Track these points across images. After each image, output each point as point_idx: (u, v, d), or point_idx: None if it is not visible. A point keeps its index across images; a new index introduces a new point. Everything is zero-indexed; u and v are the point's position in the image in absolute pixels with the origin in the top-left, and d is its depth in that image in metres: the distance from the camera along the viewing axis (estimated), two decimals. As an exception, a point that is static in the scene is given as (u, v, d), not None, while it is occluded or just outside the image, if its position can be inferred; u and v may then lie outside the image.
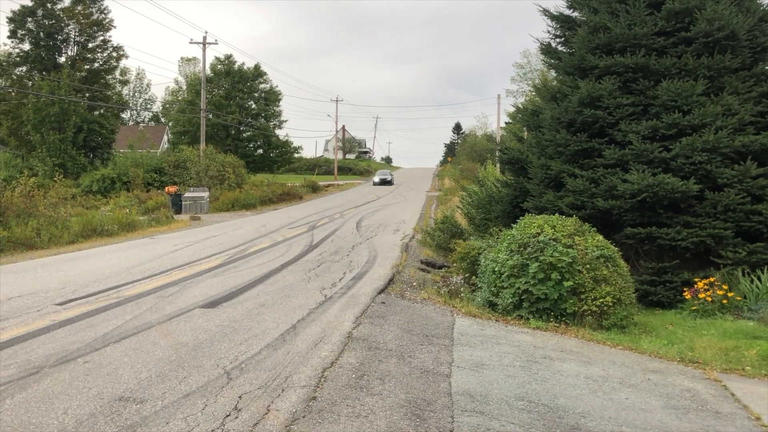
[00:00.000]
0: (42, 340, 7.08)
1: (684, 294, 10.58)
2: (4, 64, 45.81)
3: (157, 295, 9.81)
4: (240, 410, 5.00)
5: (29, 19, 43.62)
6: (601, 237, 9.69)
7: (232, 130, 64.32)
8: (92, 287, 10.46)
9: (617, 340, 8.33)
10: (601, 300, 8.84)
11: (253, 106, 68.42)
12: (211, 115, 56.49)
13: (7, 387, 5.46)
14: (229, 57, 67.28)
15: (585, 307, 8.88)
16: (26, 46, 44.29)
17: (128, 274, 11.90)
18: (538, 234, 9.34)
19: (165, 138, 70.28)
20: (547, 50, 15.00)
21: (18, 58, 44.71)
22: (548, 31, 14.92)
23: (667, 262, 11.30)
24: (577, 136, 12.59)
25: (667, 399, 5.97)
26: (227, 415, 4.88)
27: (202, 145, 42.51)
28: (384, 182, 63.02)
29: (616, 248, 9.70)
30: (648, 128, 11.80)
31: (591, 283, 8.94)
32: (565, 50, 14.57)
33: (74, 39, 45.03)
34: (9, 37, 44.04)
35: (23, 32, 43.83)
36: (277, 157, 67.78)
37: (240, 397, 5.30)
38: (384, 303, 9.66)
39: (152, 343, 6.99)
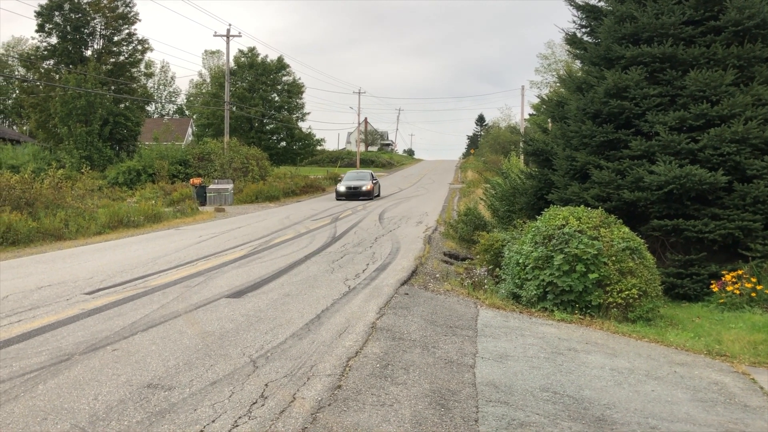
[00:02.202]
0: (72, 328, 7.21)
1: (711, 287, 10.45)
2: (32, 57, 46.49)
3: (183, 285, 9.93)
4: (266, 398, 5.05)
5: (56, 13, 44.16)
6: (627, 229, 9.60)
7: (256, 123, 64.69)
8: (120, 277, 10.61)
9: (643, 332, 8.27)
10: (626, 292, 8.77)
11: (277, 98, 68.79)
12: (234, 108, 56.82)
13: (40, 373, 5.58)
14: (252, 50, 67.69)
15: (610, 300, 8.81)
16: (53, 40, 44.89)
17: (155, 264, 12.05)
18: (563, 226, 9.29)
19: (189, 130, 70.84)
20: (572, 40, 14.85)
21: (45, 52, 45.34)
22: (573, 21, 14.77)
23: (694, 254, 11.17)
24: (602, 127, 12.46)
25: (694, 392, 5.92)
26: (254, 403, 4.94)
27: (226, 138, 42.81)
28: (355, 194, 33.91)
29: (642, 240, 9.61)
30: (675, 119, 11.64)
31: (617, 275, 8.87)
32: (590, 40, 14.41)
33: (100, 32, 45.51)
34: (37, 31, 44.68)
35: (50, 26, 44.39)
36: (300, 149, 68.10)
37: (266, 385, 5.35)
38: (407, 294, 9.67)
39: (179, 331, 7.09)
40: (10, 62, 73.14)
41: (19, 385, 5.27)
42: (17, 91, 65.99)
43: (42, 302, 8.57)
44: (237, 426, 4.50)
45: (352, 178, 36.85)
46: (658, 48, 12.04)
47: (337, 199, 33.88)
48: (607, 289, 8.86)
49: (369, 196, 34.11)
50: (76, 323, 7.42)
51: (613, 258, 8.92)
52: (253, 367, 5.86)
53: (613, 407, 5.35)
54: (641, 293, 8.86)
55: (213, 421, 4.56)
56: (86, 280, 10.28)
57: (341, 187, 34.77)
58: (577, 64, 21.69)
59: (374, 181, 36.26)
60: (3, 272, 11.28)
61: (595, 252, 8.81)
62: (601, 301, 8.85)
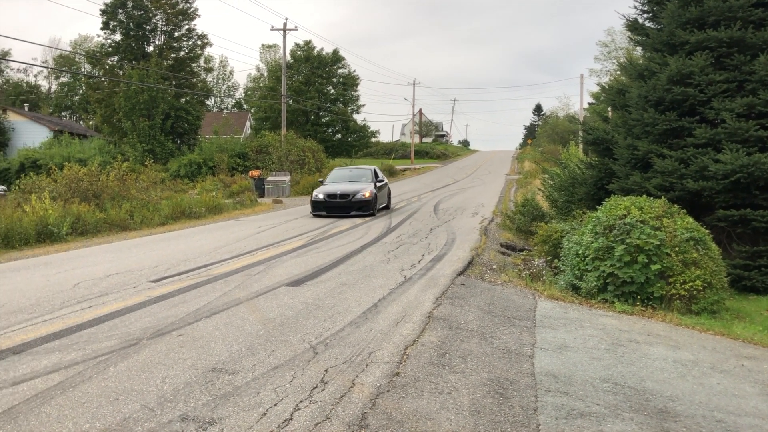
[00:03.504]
0: (139, 314, 7.47)
1: (781, 279, 10.09)
2: (97, 54, 48.12)
3: (244, 273, 10.16)
4: (326, 383, 5.15)
5: (120, 11, 45.59)
6: (691, 219, 9.34)
7: (312, 116, 65.33)
8: (183, 266, 10.92)
9: (707, 325, 8.04)
10: (690, 284, 8.55)
11: (332, 91, 69.30)
12: (291, 101, 57.54)
13: (111, 356, 5.81)
14: (308, 43, 68.32)
15: (673, 291, 8.61)
16: (117, 37, 46.40)
17: (216, 253, 12.35)
18: (625, 216, 9.10)
19: (247, 124, 72.12)
20: (633, 26, 14.47)
21: (110, 49, 46.95)
22: (635, 7, 14.39)
23: (763, 245, 10.78)
24: (665, 114, 12.12)
25: (763, 386, 5.74)
26: (314, 387, 5.04)
27: (283, 131, 43.41)
28: (343, 206, 20.34)
29: (707, 231, 9.33)
30: (743, 105, 11.23)
31: (680, 266, 8.65)
32: (652, 26, 14.02)
33: (161, 28, 46.76)
34: (102, 29, 46.29)
35: (114, 23, 45.90)
36: (354, 141, 68.52)
37: (326, 370, 5.45)
38: (464, 285, 9.65)
39: (241, 318, 7.27)
40: (77, 59, 75.85)
41: (92, 367, 5.50)
42: (84, 88, 68.54)
43: (110, 289, 8.91)
44: (298, 409, 4.60)
45: (341, 178, 22.35)
46: (725, 32, 11.63)
47: (313, 215, 20.33)
48: (670, 280, 8.65)
49: (367, 208, 20.12)
50: (143, 309, 7.69)
51: (677, 249, 8.70)
52: (312, 353, 5.96)
53: (676, 399, 5.24)
54: (706, 285, 8.62)
55: (275, 405, 4.68)
56: (152, 269, 10.62)
57: (319, 194, 20.50)
58: (639, 51, 21.13)
59: (378, 182, 21.67)
60: (73, 261, 11.76)
61: (658, 243, 8.61)
62: (664, 292, 8.64)
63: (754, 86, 11.35)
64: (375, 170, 22.69)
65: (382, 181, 22.07)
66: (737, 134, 11.10)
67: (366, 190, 20.26)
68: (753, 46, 11.55)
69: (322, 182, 22.69)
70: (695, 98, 11.86)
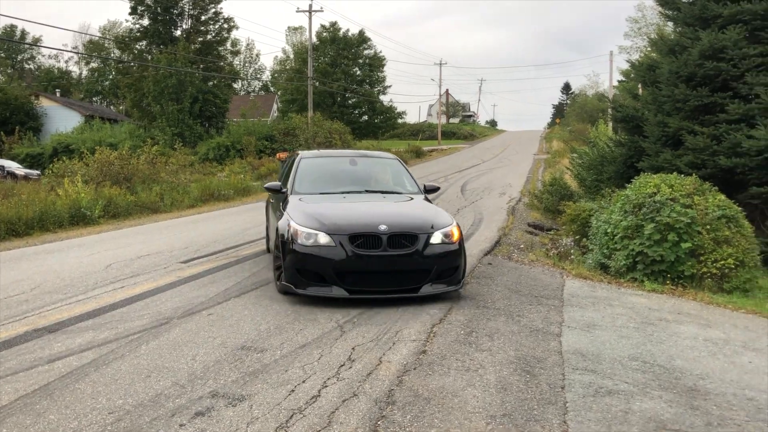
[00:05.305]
0: (169, 294, 7.60)
1: (816, 257, 9.88)
2: (126, 39, 48.56)
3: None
4: (354, 361, 5.19)
5: (147, -5, 45.90)
6: (722, 196, 9.17)
7: (338, 97, 65.29)
8: (212, 247, 11.05)
9: (740, 303, 7.91)
10: (722, 262, 8.41)
11: (358, 72, 69.11)
12: (317, 83, 57.53)
13: (143, 335, 5.93)
14: (334, 24, 68.17)
15: (704, 270, 8.48)
16: (145, 22, 46.76)
17: (245, 235, 12.48)
18: (655, 194, 8.97)
19: (274, 107, 72.35)
20: (664, 1, 14.15)
21: (138, 33, 47.34)
22: (666, -19, 14.05)
23: (798, 223, 10.56)
24: (697, 90, 11.87)
25: (796, 364, 5.65)
26: (341, 365, 5.09)
27: (310, 113, 43.49)
28: (382, 264, 6.88)
29: (740, 208, 9.16)
30: (778, 80, 10.96)
31: (711, 244, 8.51)
32: (684, 0, 13.69)
33: (188, 12, 47.00)
34: (130, 14, 46.67)
35: (142, 8, 46.23)
36: (381, 122, 68.34)
37: (353, 348, 5.50)
38: (491, 264, 9.63)
39: (270, 298, 7.35)
40: (106, 45, 76.62)
41: (124, 345, 5.63)
42: (113, 73, 69.30)
43: (142, 270, 9.06)
44: (326, 386, 4.65)
45: (332, 182, 8.90)
46: (760, 4, 11.31)
47: (294, 292, 7.21)
48: (701, 258, 8.52)
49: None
50: (173, 290, 7.81)
51: (708, 227, 8.55)
52: (340, 331, 6.02)
53: (706, 377, 5.18)
54: (738, 263, 8.47)
55: (303, 382, 4.74)
56: (181, 250, 10.78)
57: (314, 231, 7.01)
58: (670, 26, 20.66)
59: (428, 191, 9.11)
60: (106, 243, 11.97)
61: (689, 220, 8.47)
62: (695, 271, 8.52)
63: (789, 60, 11.06)
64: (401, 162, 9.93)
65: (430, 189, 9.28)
66: (772, 109, 10.83)
67: (445, 223, 7.47)
68: (789, 19, 11.23)
69: (277, 191, 8.83)
70: (728, 73, 11.59)
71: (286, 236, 7.19)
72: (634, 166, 13.09)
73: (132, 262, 9.77)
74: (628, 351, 5.73)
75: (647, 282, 8.61)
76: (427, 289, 7.07)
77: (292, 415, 4.16)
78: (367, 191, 8.70)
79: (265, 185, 8.99)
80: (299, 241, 6.97)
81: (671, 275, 8.59)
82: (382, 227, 6.92)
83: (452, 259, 7.26)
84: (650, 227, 8.62)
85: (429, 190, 9.10)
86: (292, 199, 8.08)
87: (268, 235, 10.16)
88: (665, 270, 8.61)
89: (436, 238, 7.13)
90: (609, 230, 9.33)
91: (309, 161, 9.35)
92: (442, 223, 7.40)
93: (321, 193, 8.44)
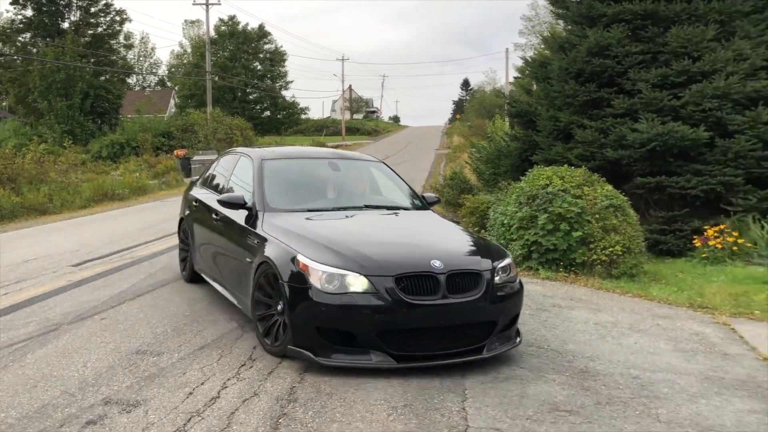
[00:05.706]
0: (59, 299, 7.22)
1: (694, 242, 10.57)
2: (8, 31, 45.59)
3: (170, 254, 9.94)
4: (255, 360, 5.12)
5: (30, -16, 43.29)
6: (610, 187, 9.66)
7: (239, 93, 64.10)
8: (106, 249, 10.59)
9: (627, 288, 8.38)
10: (610, 249, 8.86)
11: (259, 67, 68.13)
12: (216, 78, 56.19)
13: (28, 343, 5.60)
14: (232, 18, 66.81)
15: (594, 257, 8.91)
16: (29, 12, 44.05)
17: (141, 235, 12.02)
18: (547, 185, 9.33)
19: (172, 102, 70.01)
20: (554, 0, 14.73)
21: (21, 25, 44.50)
22: (556, -20, 14.63)
23: (677, 210, 11.26)
24: (585, 86, 12.44)
25: (676, 342, 6.04)
26: (242, 365, 5.00)
27: (209, 108, 42.43)
28: (440, 322, 4.99)
29: (626, 198, 9.68)
30: (657, 76, 11.64)
31: (600, 232, 8.95)
32: (573, -1, 14.30)
33: (76, 4, 44.67)
34: (11, 3, 43.77)
35: (25, -2, 43.53)
36: (284, 118, 67.65)
37: (254, 348, 5.41)
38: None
39: (167, 299, 7.12)
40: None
41: (7, 355, 5.29)
42: (-6, 66, 64.90)
43: (28, 275, 8.56)
44: (226, 387, 4.56)
45: (308, 193, 6.79)
46: (640, 5, 11.97)
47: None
48: (591, 246, 8.94)
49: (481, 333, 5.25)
50: (63, 294, 7.43)
51: (597, 216, 8.99)
52: (241, 331, 5.91)
53: (596, 359, 5.45)
54: (625, 250, 8.95)
55: (202, 384, 4.62)
56: (72, 253, 10.26)
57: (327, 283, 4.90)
58: (561, 24, 21.56)
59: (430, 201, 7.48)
60: (-12, 247, 11.22)
61: (579, 210, 8.87)
62: (586, 258, 8.94)
63: (667, 57, 11.77)
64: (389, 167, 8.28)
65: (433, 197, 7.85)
66: (652, 104, 11.50)
67: (501, 254, 5.75)
68: (666, 18, 11.94)
69: (239, 206, 6.20)
70: (613, 69, 12.21)
71: (286, 275, 5.03)
72: (529, 160, 13.57)
73: (17, 266, 9.20)
74: (524, 337, 5.93)
75: (542, 270, 8.96)
76: (493, 346, 5.22)
77: (190, 418, 4.05)
78: (367, 206, 6.56)
79: (220, 198, 6.38)
80: (317, 286, 4.83)
81: (564, 263, 8.98)
82: (436, 263, 4.98)
83: (517, 304, 5.56)
84: (543, 217, 8.97)
85: (431, 203, 7.28)
86: (272, 219, 5.83)
87: (188, 256, 7.93)
88: (558, 258, 8.99)
89: (500, 276, 5.37)
90: (506, 221, 9.64)
91: (275, 164, 6.84)
92: (498, 254, 5.63)
93: (309, 210, 6.16)
